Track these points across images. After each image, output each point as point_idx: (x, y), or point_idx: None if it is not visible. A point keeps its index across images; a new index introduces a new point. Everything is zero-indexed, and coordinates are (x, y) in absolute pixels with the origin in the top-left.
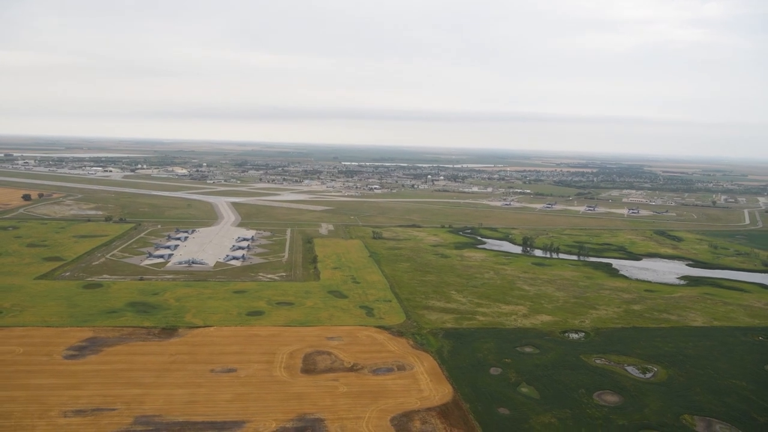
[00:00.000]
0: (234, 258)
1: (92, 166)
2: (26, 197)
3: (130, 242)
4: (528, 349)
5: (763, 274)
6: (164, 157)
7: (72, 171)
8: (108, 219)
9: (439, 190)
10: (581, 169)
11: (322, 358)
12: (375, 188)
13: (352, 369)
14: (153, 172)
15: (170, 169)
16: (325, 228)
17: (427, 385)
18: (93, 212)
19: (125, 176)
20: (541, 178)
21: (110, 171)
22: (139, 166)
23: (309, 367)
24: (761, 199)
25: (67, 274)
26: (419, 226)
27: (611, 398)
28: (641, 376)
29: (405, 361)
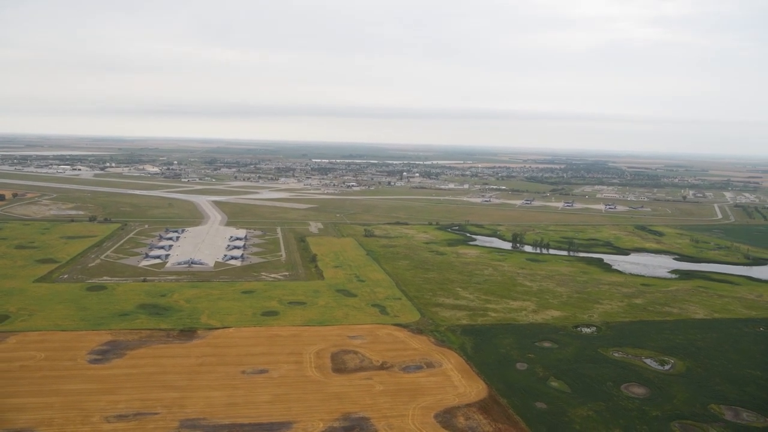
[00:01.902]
0: (233, 258)
1: (59, 165)
2: (0, 197)
3: (121, 242)
4: (547, 344)
5: (747, 267)
6: (131, 155)
7: (39, 170)
8: (92, 219)
9: (416, 187)
10: (549, 165)
11: (349, 357)
12: (352, 186)
13: (383, 367)
14: (123, 170)
15: (141, 167)
16: (314, 226)
17: (460, 381)
18: (74, 212)
19: (96, 175)
20: (512, 174)
21: (79, 169)
22: (108, 164)
23: (339, 367)
24: (727, 194)
25: (66, 276)
26: (407, 224)
27: (639, 390)
28: (661, 368)
29: (431, 358)
